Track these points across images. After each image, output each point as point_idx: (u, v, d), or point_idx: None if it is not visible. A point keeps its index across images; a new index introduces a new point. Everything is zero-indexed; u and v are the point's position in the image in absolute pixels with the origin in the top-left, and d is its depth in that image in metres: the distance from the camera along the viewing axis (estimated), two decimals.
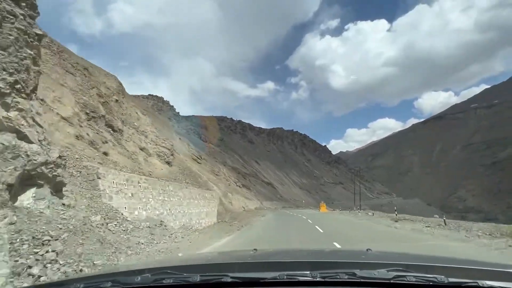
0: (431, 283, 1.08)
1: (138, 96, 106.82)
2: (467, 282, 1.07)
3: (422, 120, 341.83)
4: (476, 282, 1.06)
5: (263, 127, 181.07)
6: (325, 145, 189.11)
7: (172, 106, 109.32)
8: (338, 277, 1.15)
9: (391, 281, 1.11)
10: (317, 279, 1.15)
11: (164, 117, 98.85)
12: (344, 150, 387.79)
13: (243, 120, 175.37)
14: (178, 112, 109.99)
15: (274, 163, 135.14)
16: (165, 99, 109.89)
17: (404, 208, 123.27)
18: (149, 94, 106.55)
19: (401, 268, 1.18)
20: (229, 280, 1.20)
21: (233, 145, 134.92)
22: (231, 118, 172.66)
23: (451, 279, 1.08)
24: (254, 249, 2.11)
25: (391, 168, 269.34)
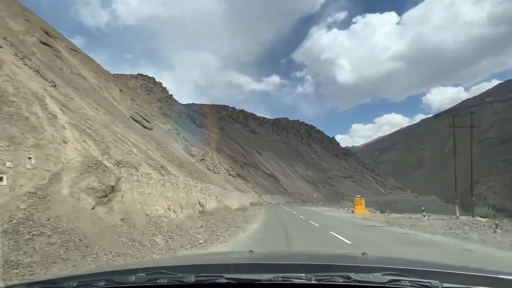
0: None
1: (126, 75, 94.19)
2: None
3: (433, 115, 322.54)
4: None
5: (267, 117, 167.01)
6: (333, 137, 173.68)
7: (165, 88, 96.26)
8: (333, 280, 1.12)
9: (386, 285, 1.09)
10: (312, 281, 1.13)
11: (152, 97, 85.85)
12: (350, 146, 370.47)
13: (246, 110, 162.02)
14: (172, 95, 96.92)
15: (278, 154, 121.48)
16: (157, 80, 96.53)
17: (421, 206, 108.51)
18: (138, 74, 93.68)
19: (396, 273, 1.16)
20: (224, 281, 1.16)
21: (234, 134, 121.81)
22: (233, 107, 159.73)
23: (446, 284, 1.05)
24: (250, 251, 2.02)
25: (400, 163, 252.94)
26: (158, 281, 1.20)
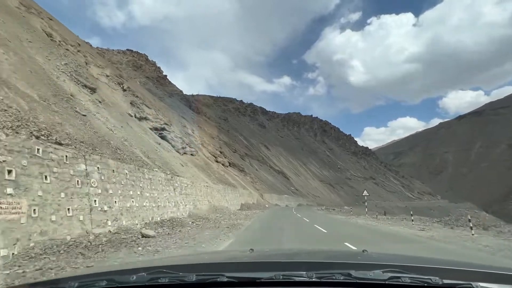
0: (426, 284, 1.02)
1: (113, 50, 79.27)
2: (462, 284, 1.02)
3: (455, 117, 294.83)
4: (470, 284, 1.01)
5: (277, 111, 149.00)
6: (350, 134, 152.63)
7: (159, 68, 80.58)
8: (333, 277, 1.10)
9: (387, 282, 1.06)
10: (313, 279, 1.10)
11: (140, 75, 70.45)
12: None
13: (254, 103, 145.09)
14: (166, 75, 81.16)
15: (288, 150, 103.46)
16: (150, 59, 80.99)
17: (464, 214, 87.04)
18: (127, 49, 78.44)
19: (396, 269, 1.13)
20: (225, 279, 1.13)
21: (239, 126, 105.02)
22: (241, 100, 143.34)
23: (446, 281, 1.03)
24: (251, 249, 1.97)
25: (420, 166, 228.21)
26: (159, 280, 1.16)
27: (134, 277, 1.18)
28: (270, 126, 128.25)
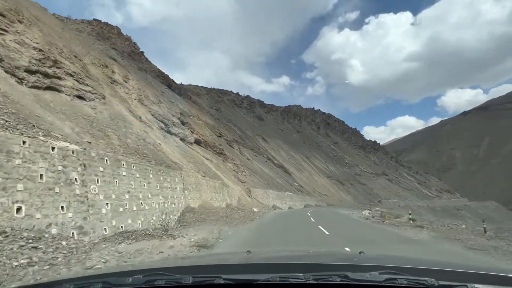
0: (422, 286, 1.01)
1: (75, 19, 64.54)
2: (457, 285, 1.01)
3: (460, 113, 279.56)
4: (466, 285, 1.00)
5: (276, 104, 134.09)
6: (355, 128, 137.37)
7: (134, 43, 65.75)
8: (330, 279, 1.07)
9: (383, 284, 1.04)
10: (310, 281, 1.07)
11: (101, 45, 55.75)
12: None
13: (251, 96, 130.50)
14: (142, 52, 66.42)
15: (289, 143, 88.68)
16: (124, 33, 66.07)
17: (487, 214, 71.49)
18: (94, 19, 63.94)
19: (393, 271, 1.11)
20: (222, 281, 1.11)
21: (233, 116, 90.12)
22: (237, 92, 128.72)
23: (442, 282, 1.01)
24: (248, 251, 1.97)
25: (426, 164, 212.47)
26: (155, 282, 1.13)
27: (130, 279, 1.14)
28: (268, 118, 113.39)
